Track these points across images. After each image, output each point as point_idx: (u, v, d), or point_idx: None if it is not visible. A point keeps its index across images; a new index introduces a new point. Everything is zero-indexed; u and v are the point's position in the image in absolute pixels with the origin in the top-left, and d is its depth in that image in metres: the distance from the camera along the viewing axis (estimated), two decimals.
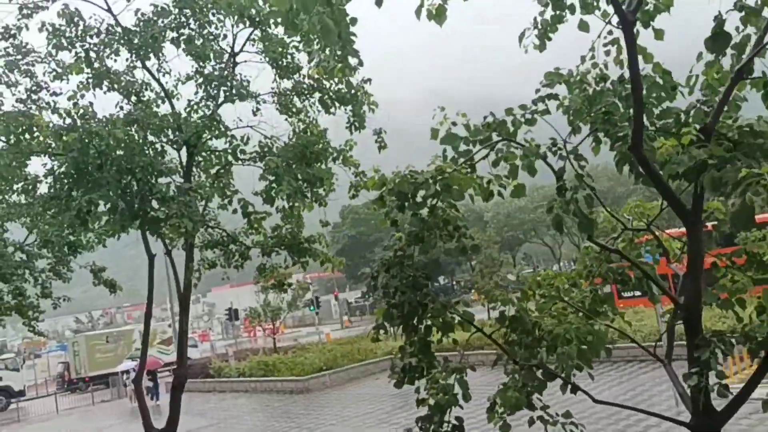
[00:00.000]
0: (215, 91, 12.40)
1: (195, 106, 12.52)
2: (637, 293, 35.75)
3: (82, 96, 11.05)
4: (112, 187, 10.80)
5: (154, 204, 11.43)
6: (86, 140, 10.39)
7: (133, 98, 11.91)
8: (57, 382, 45.71)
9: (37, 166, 12.26)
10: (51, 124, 10.79)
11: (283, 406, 23.85)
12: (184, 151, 12.73)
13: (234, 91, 12.40)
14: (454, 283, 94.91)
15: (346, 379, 26.37)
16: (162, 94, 12.75)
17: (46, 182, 11.62)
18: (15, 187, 12.40)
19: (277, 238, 13.39)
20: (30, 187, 12.27)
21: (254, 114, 12.96)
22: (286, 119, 13.18)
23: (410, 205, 4.95)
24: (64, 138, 10.42)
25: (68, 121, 10.70)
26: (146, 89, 12.25)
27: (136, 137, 11.07)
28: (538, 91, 5.14)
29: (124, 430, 26.13)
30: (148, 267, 13.90)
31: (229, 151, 12.47)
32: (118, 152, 10.90)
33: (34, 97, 12.01)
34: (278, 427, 20.03)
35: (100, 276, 16.03)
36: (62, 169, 10.78)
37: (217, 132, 12.18)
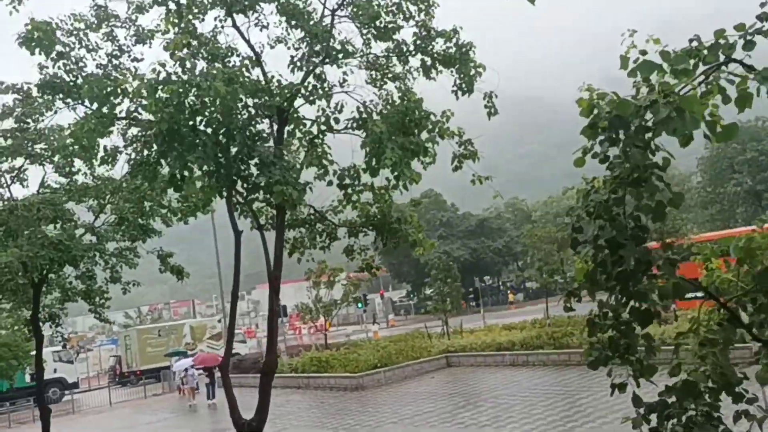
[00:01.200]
0: (320, 46, 11.59)
1: (298, 63, 11.69)
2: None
3: (173, 55, 10.26)
4: (209, 149, 10.16)
5: (253, 170, 10.85)
6: (184, 94, 9.74)
7: (218, 64, 11.21)
8: (109, 375, 46.29)
9: (115, 138, 11.85)
10: (145, 79, 10.06)
11: (338, 402, 23.42)
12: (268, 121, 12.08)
13: (339, 47, 11.64)
14: (501, 284, 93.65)
15: (401, 377, 25.83)
16: (252, 57, 11.93)
17: (127, 153, 11.24)
18: (95, 158, 11.97)
19: (366, 217, 12.78)
20: (109, 159, 11.83)
21: (341, 84, 12.05)
22: (381, 87, 12.42)
23: (629, 136, 4.06)
24: (160, 92, 9.74)
25: (162, 75, 9.93)
26: (232, 54, 11.59)
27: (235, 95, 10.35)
28: (764, 4, 4.11)
29: (179, 423, 26.06)
30: (234, 246, 13.23)
31: (323, 118, 11.84)
32: (214, 111, 10.28)
33: (115, 62, 11.62)
34: (336, 424, 19.59)
35: (167, 262, 15.79)
36: (153, 131, 10.21)
37: (320, 92, 11.43)
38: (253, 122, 11.27)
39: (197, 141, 10.08)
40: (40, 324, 16.17)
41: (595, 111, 4.18)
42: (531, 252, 36.62)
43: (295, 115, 11.99)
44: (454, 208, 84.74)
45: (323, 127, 11.82)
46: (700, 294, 4.83)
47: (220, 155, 10.56)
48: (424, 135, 11.42)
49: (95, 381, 47.98)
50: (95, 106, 10.57)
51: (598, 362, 4.55)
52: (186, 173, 10.06)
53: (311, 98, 11.50)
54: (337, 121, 11.83)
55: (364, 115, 11.58)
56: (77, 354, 47.48)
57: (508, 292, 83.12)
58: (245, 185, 11.17)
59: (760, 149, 67.30)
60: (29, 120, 14.09)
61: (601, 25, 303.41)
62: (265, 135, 11.43)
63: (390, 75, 12.28)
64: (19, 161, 14.81)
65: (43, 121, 11.66)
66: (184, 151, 10.00)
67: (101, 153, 11.68)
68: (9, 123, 14.41)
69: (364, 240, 13.72)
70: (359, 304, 53.46)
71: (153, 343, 44.18)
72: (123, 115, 11.31)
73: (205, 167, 10.29)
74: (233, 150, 10.70)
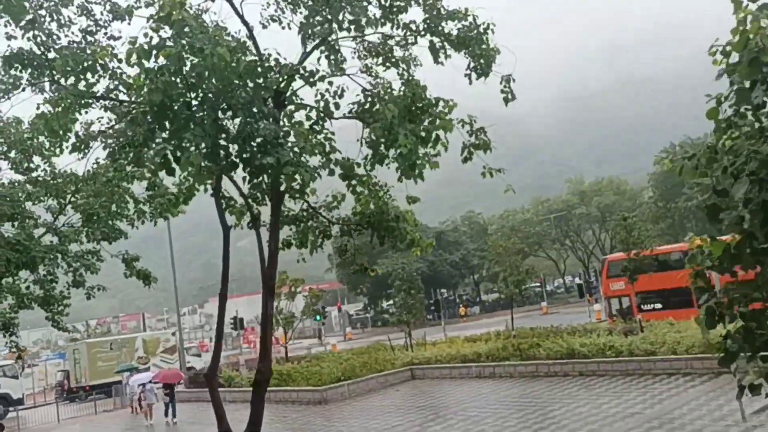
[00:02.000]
0: (331, 16, 10.82)
1: (310, 32, 10.95)
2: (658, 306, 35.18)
3: (164, 19, 9.15)
4: (207, 127, 9.31)
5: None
6: (182, 61, 8.80)
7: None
8: (56, 390, 44.40)
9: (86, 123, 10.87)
10: (137, 44, 9.02)
11: (301, 417, 22.71)
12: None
13: (353, 17, 10.93)
14: (457, 297, 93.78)
15: (365, 390, 25.28)
16: (245, 34, 11.27)
17: (103, 139, 10.41)
18: (65, 145, 10.97)
19: (361, 214, 12.19)
20: (82, 146, 10.92)
21: (340, 68, 11.44)
22: (377, 76, 11.86)
23: None
24: (152, 62, 8.82)
25: (155, 41, 8.96)
26: (224, 33, 10.78)
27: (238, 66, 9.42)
28: None
29: None
30: (223, 243, 12.46)
31: (322, 103, 11.19)
32: (211, 86, 9.40)
33: (90, 38, 10.77)
34: None
35: (132, 266, 14.94)
36: (141, 108, 9.37)
37: (327, 70, 10.65)
38: (253, 102, 10.41)
39: (194, 117, 9.28)
40: None
41: (755, 44, 3.57)
42: (493, 263, 36.45)
43: (294, 98, 11.33)
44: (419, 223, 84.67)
45: (322, 114, 11.21)
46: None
47: (220, 133, 9.78)
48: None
49: (41, 397, 45.94)
50: (70, 81, 9.71)
51: (732, 358, 3.96)
52: (179, 154, 9.21)
53: (312, 79, 10.86)
54: (337, 106, 11.24)
55: (371, 100, 11.01)
56: (22, 369, 45.40)
57: (460, 305, 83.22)
58: (249, 168, 10.14)
59: None
60: None
61: (559, 47, 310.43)
62: (265, 112, 10.54)
63: (392, 60, 11.73)
64: None
65: (1, 103, 10.84)
66: (178, 128, 9.22)
67: (72, 139, 10.77)
68: None
69: (348, 243, 13.19)
70: (317, 317, 52.68)
71: (103, 357, 42.57)
72: (100, 94, 10.47)
73: (203, 145, 9.33)
74: (232, 130, 9.91)
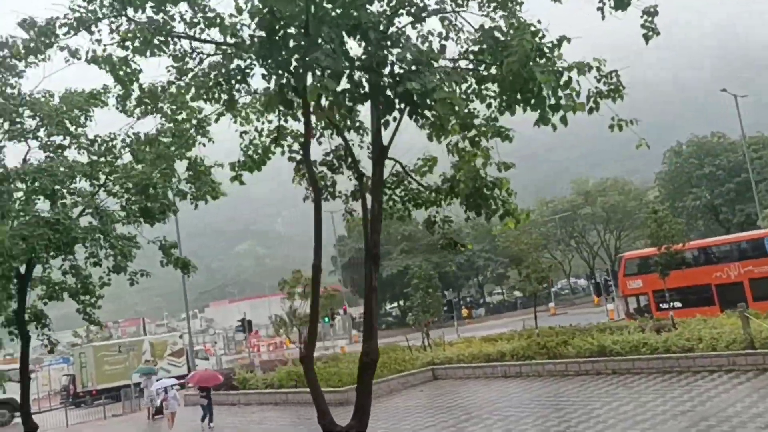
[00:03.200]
0: None
1: None
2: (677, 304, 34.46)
3: None
4: (337, 49, 8.06)
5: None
6: None
7: None
8: (61, 395, 43.57)
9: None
10: None
11: None
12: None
13: None
14: (461, 299, 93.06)
15: (387, 391, 24.54)
16: None
17: (176, 79, 9.47)
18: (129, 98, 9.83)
19: (452, 180, 11.17)
20: (149, 99, 9.76)
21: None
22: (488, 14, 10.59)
23: None
24: None
25: None
26: None
27: None
28: None
29: None
30: (314, 209, 11.43)
31: (427, 44, 9.65)
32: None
33: None
34: None
35: (170, 253, 14.09)
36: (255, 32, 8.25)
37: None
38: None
39: (313, 42, 8.06)
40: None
41: None
42: (514, 262, 35.74)
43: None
44: (415, 221, 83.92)
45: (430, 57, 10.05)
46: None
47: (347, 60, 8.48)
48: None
49: (46, 402, 45.09)
50: (146, 13, 8.60)
51: None
52: (302, 82, 8.07)
53: (424, 14, 9.71)
54: (444, 49, 10.12)
55: (492, 37, 9.69)
56: None
57: (464, 307, 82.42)
58: (390, 94, 8.68)
59: (717, 164, 68.65)
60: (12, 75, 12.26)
61: None
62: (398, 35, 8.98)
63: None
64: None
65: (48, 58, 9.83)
66: (291, 54, 8.14)
67: (136, 92, 9.82)
68: None
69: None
70: (326, 319, 51.97)
71: (110, 360, 41.76)
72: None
73: (329, 70, 7.86)
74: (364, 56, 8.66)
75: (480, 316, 76.84)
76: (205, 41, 9.67)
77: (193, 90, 9.88)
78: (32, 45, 9.53)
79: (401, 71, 8.62)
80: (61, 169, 12.61)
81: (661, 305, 35.20)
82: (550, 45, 9.13)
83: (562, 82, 9.05)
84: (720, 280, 33.12)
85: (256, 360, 42.09)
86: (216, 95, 9.83)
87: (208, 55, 9.94)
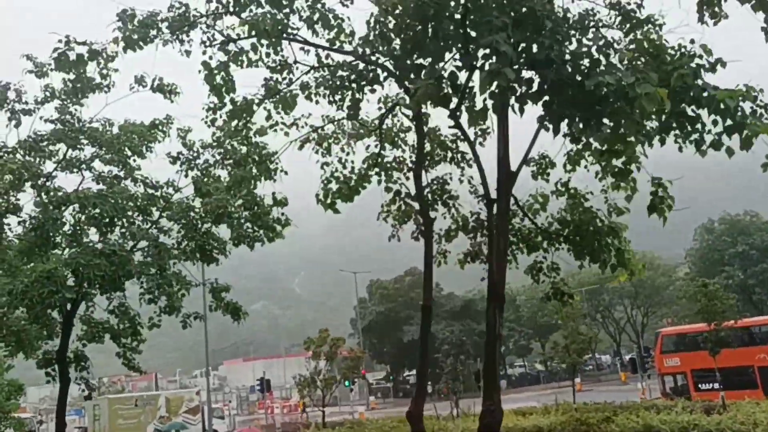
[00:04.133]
0: None
1: None
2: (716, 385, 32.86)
3: None
4: (511, 35, 7.16)
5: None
6: None
7: None
8: None
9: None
10: None
11: None
12: None
13: None
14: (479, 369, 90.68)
15: None
16: None
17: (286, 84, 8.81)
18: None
19: (564, 222, 10.17)
20: (243, 108, 9.18)
21: None
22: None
23: None
24: None
25: None
26: None
27: None
28: None
29: None
30: (425, 244, 10.31)
31: None
32: None
33: None
34: None
35: (221, 297, 13.33)
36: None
37: None
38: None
39: (484, 26, 7.13)
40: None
41: None
42: (543, 331, 34.57)
43: None
44: (438, 288, 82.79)
45: None
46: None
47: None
48: None
49: None
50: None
51: None
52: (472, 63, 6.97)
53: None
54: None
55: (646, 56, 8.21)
56: (40, 423, 43.50)
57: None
58: (571, 93, 7.59)
59: (750, 243, 67.32)
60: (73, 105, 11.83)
61: None
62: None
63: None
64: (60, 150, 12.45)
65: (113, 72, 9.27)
66: (456, 40, 7.33)
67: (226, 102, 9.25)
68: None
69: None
70: (347, 383, 50.50)
71: (125, 414, 40.59)
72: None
73: (505, 50, 6.76)
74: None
75: (502, 389, 74.65)
76: (333, 49, 9.24)
77: (302, 94, 9.40)
78: (133, 36, 9.17)
79: (581, 66, 7.60)
80: (119, 200, 12.08)
81: (699, 385, 33.71)
82: (706, 65, 8.15)
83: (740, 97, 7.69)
84: (764, 363, 31.64)
85: (278, 421, 40.69)
86: (340, 98, 9.35)
87: (314, 67, 9.53)
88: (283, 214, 12.20)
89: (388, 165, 12.17)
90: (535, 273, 11.51)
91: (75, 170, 12.86)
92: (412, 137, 12.06)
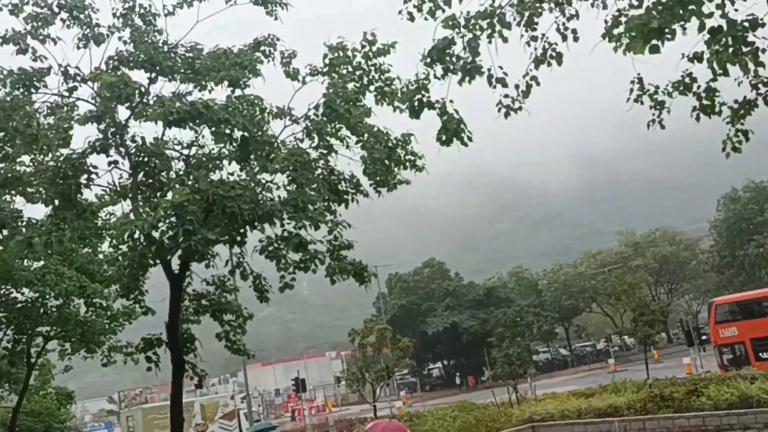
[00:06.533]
0: None
1: None
2: None
3: None
4: None
5: None
6: None
7: None
8: None
9: None
10: None
11: None
12: None
13: None
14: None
15: None
16: None
17: None
18: None
19: None
20: None
21: None
22: None
23: None
24: None
25: None
26: None
27: None
28: None
29: None
30: None
31: None
32: None
33: None
34: None
35: (341, 257, 10.62)
36: None
37: None
38: None
39: None
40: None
41: None
42: (613, 300, 33.13)
43: None
44: (458, 277, 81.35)
45: None
46: None
47: None
48: None
49: None
50: None
51: None
52: None
53: None
54: None
55: None
56: None
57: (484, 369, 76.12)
58: None
59: None
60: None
61: (572, 109, 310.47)
62: None
63: None
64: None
65: None
66: None
67: None
68: None
69: None
70: (417, 372, 49.01)
71: (160, 423, 39.22)
72: None
73: None
74: None
75: (532, 375, 73.15)
76: None
77: None
78: None
79: None
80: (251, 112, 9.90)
81: (760, 354, 32.35)
82: None
83: None
84: None
85: (331, 417, 39.13)
86: None
87: None
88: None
89: None
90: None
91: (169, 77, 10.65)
92: None
